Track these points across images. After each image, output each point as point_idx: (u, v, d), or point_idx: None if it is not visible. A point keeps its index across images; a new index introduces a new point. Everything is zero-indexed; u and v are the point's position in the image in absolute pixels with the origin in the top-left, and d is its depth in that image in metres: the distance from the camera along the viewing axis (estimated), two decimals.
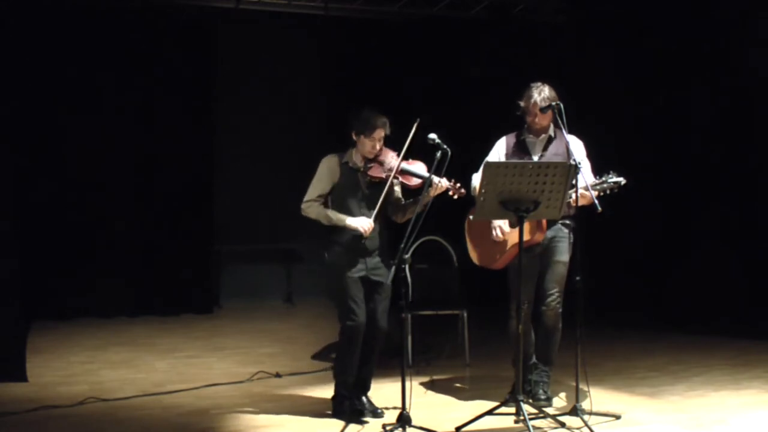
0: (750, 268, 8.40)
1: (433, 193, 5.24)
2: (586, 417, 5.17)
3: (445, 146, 5.11)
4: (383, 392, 5.77)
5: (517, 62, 9.08)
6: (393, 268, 4.88)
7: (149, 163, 9.37)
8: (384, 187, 5.29)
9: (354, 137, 5.35)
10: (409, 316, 6.79)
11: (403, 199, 5.52)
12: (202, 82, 9.55)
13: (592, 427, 5.08)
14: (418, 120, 5.18)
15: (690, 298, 8.63)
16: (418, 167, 5.32)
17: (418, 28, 9.75)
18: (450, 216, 6.04)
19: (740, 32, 8.32)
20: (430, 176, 5.18)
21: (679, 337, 7.92)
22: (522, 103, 5.57)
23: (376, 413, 5.41)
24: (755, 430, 5.21)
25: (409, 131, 5.23)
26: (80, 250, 9.04)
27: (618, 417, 5.36)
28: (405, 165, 5.32)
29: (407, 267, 6.49)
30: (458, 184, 5.26)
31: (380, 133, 5.31)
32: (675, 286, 8.80)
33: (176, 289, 9.43)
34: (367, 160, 5.35)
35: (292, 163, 8.69)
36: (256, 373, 6.60)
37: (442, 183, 5.22)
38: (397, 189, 5.53)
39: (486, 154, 5.73)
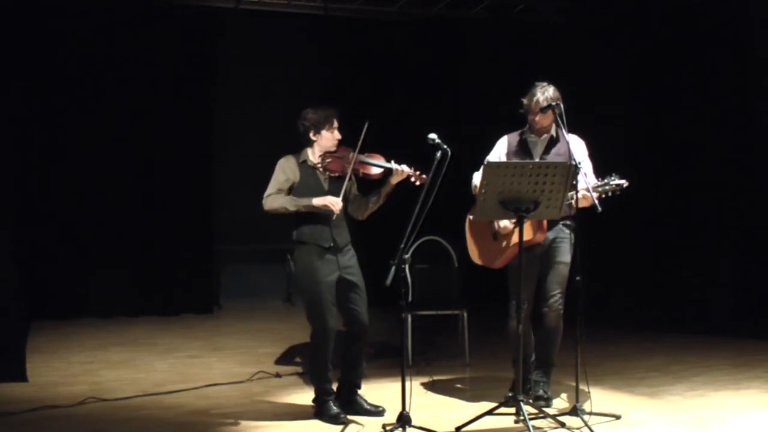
0: (750, 268, 8.40)
1: (395, 180, 5.30)
2: (586, 417, 5.17)
3: (445, 146, 5.12)
4: (383, 392, 5.77)
5: (517, 62, 9.08)
6: (393, 268, 4.89)
7: (149, 163, 9.37)
8: (345, 178, 5.33)
9: (313, 137, 5.44)
10: (409, 316, 6.80)
11: (360, 195, 5.55)
12: (202, 82, 9.55)
13: (592, 427, 5.08)
14: (368, 123, 5.24)
15: (690, 298, 8.64)
16: (377, 158, 5.40)
17: (418, 28, 9.75)
18: (450, 216, 6.04)
19: (742, 30, 8.32)
20: (390, 164, 5.27)
21: (679, 337, 7.92)
22: (525, 101, 5.57)
23: (378, 411, 5.41)
24: (755, 430, 5.21)
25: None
26: (80, 250, 9.04)
27: (618, 417, 5.36)
28: (363, 157, 5.36)
29: (407, 267, 6.49)
30: (419, 171, 5.27)
31: (336, 122, 5.44)
32: (675, 287, 8.81)
33: (176, 289, 9.43)
34: (324, 157, 5.37)
35: None
36: (256, 373, 6.60)
37: (403, 169, 5.26)
38: (354, 186, 5.57)
39: (486, 153, 5.74)
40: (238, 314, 9.70)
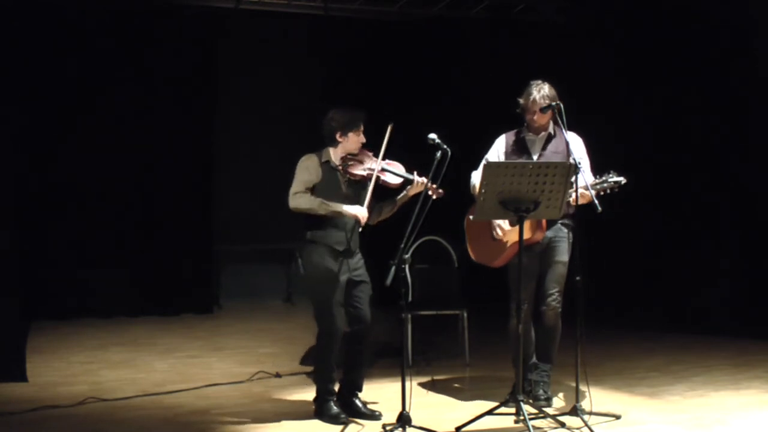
0: (750, 268, 8.40)
1: (413, 192, 5.30)
2: (586, 417, 5.17)
3: (445, 146, 5.12)
4: (383, 392, 5.78)
5: (517, 62, 9.08)
6: (393, 268, 4.88)
7: (149, 163, 9.37)
8: (367, 184, 5.30)
9: (339, 138, 5.37)
10: (409, 316, 6.80)
11: (374, 201, 5.51)
12: (202, 82, 9.55)
13: (592, 427, 5.08)
14: (392, 124, 5.21)
15: (690, 298, 8.64)
16: (398, 167, 5.37)
17: (418, 28, 9.75)
18: (450, 216, 6.04)
19: (742, 30, 8.31)
20: (410, 175, 5.25)
21: (679, 337, 7.92)
22: (522, 101, 5.58)
23: (374, 416, 5.40)
24: (755, 430, 5.21)
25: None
26: (80, 250, 9.04)
27: (618, 417, 5.36)
28: (385, 165, 5.34)
29: (407, 267, 6.49)
30: (435, 185, 5.27)
31: (362, 125, 5.39)
32: (675, 286, 8.80)
33: (176, 289, 9.43)
34: (345, 159, 5.36)
35: (292, 163, 8.67)
36: (256, 373, 6.60)
37: (422, 181, 5.26)
38: None
39: (485, 153, 5.74)
40: (238, 314, 9.70)
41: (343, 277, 5.34)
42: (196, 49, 9.51)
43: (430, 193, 5.26)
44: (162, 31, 9.31)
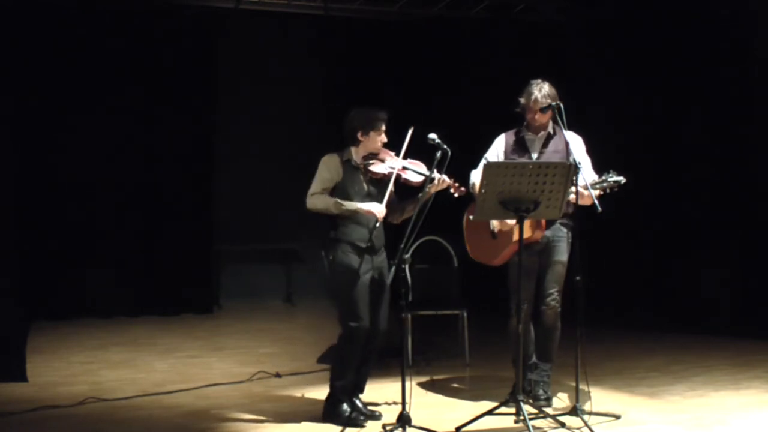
0: (750, 268, 8.39)
1: (434, 189, 5.27)
2: (586, 417, 5.17)
3: (445, 146, 5.13)
4: (383, 392, 5.77)
5: (517, 62, 9.08)
6: (393, 268, 4.87)
7: (149, 163, 9.38)
8: (389, 182, 5.27)
9: (360, 137, 5.33)
10: (409, 316, 6.79)
11: (396, 199, 5.51)
12: (202, 82, 9.55)
13: (592, 427, 5.08)
14: (412, 128, 5.20)
15: (690, 298, 8.64)
16: (419, 165, 5.36)
17: (418, 28, 9.75)
18: (449, 215, 6.04)
19: (742, 29, 8.31)
20: (432, 173, 5.20)
21: (679, 337, 7.92)
22: (522, 100, 5.58)
23: (374, 416, 5.38)
24: (755, 430, 5.21)
25: (406, 134, 5.25)
26: (80, 250, 9.05)
27: (618, 417, 5.36)
28: (406, 163, 5.34)
29: (407, 267, 6.49)
30: (457, 183, 5.29)
31: (384, 125, 5.35)
32: (675, 286, 8.80)
33: (176, 289, 9.43)
34: (367, 158, 5.35)
35: (292, 163, 8.69)
36: (256, 373, 6.60)
37: (444, 180, 5.24)
38: None
39: (485, 152, 5.74)
40: (238, 314, 9.70)
41: (368, 275, 5.30)
42: (196, 49, 9.51)
43: (452, 191, 5.26)
44: (162, 31, 9.31)
